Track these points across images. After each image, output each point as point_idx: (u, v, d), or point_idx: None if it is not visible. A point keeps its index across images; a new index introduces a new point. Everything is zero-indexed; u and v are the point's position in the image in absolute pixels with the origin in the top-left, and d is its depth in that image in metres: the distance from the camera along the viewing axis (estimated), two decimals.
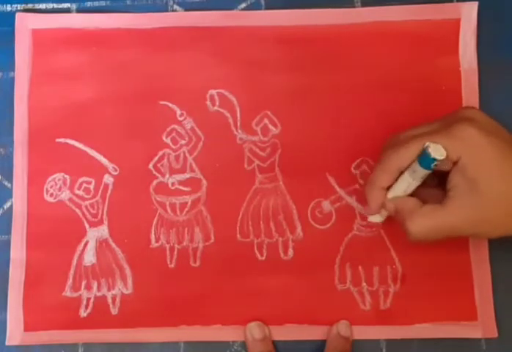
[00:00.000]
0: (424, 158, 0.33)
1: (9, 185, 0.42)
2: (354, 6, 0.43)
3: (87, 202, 0.42)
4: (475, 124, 0.33)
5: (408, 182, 0.35)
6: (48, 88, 0.43)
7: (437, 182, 0.36)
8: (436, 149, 0.32)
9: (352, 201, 0.41)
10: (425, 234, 0.34)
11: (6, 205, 0.42)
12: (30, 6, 0.44)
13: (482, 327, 0.40)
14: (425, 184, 0.35)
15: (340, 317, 0.40)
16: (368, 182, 0.36)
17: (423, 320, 0.40)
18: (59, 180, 0.42)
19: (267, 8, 0.44)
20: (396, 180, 0.35)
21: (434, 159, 0.32)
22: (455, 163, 0.33)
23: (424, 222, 0.34)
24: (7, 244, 0.42)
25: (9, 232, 0.42)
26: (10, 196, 0.42)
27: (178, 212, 0.42)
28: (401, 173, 0.35)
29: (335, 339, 0.40)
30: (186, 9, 0.44)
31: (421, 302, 0.40)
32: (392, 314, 0.41)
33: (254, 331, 0.40)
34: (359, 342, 0.40)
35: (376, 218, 0.38)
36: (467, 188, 0.33)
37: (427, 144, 0.32)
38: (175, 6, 0.44)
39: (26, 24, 0.43)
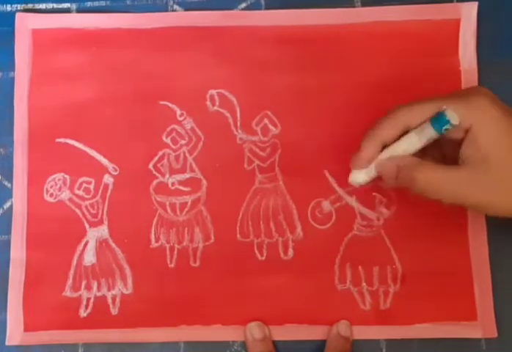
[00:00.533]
0: (438, 120, 0.33)
1: (9, 185, 0.42)
2: (354, 6, 0.43)
3: (87, 202, 0.42)
4: (491, 97, 0.33)
5: (411, 142, 0.34)
6: (48, 88, 0.43)
7: (439, 157, 0.36)
8: (451, 114, 0.32)
9: (352, 201, 0.41)
10: (430, 186, 0.34)
11: (6, 205, 0.42)
12: (30, 6, 0.44)
13: (482, 327, 0.40)
14: (425, 155, 0.35)
15: (340, 317, 0.40)
16: (368, 134, 0.35)
17: (423, 320, 0.40)
18: (59, 180, 0.42)
19: (267, 8, 0.44)
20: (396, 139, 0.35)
21: (449, 122, 0.32)
22: (466, 132, 0.33)
23: (433, 174, 0.33)
24: (7, 244, 0.42)
25: (9, 232, 0.42)
26: (10, 196, 0.42)
27: (178, 212, 0.42)
28: (404, 133, 0.34)
29: (335, 339, 0.40)
30: (186, 9, 0.44)
31: (421, 302, 0.40)
32: (392, 314, 0.41)
33: (254, 331, 0.40)
34: (359, 342, 0.40)
35: (360, 178, 0.36)
36: (479, 159, 0.33)
37: (444, 107, 0.33)
38: (175, 6, 0.44)
39: (26, 24, 0.43)
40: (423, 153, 0.35)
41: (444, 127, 0.33)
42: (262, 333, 0.40)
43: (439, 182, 0.33)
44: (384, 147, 0.35)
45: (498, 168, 0.33)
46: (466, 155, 0.34)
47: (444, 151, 0.36)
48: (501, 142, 0.33)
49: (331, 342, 0.40)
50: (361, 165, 0.36)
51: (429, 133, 0.33)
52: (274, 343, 0.40)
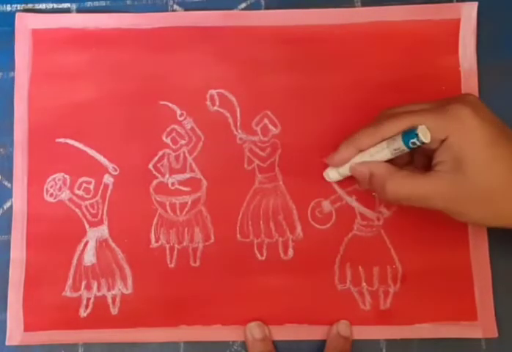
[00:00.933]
0: (408, 135, 0.34)
1: (9, 185, 0.42)
2: (354, 6, 0.43)
3: (87, 202, 0.42)
4: (470, 106, 0.33)
5: (382, 152, 0.36)
6: (48, 88, 0.43)
7: (407, 161, 0.38)
8: (423, 132, 0.33)
9: (352, 201, 0.41)
10: (401, 196, 0.35)
11: (6, 205, 0.42)
12: (30, 6, 0.44)
13: (482, 327, 0.40)
14: (394, 162, 0.36)
15: (340, 317, 0.40)
16: (348, 140, 0.37)
17: (423, 320, 0.40)
18: (59, 180, 0.42)
19: (267, 8, 0.44)
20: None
21: (417, 139, 0.33)
22: (442, 142, 0.34)
23: (403, 184, 0.35)
24: (7, 244, 0.42)
25: (9, 232, 0.42)
26: (10, 196, 0.42)
27: (178, 212, 0.42)
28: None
29: (335, 339, 0.40)
30: (186, 9, 0.44)
31: (421, 302, 0.40)
32: (392, 314, 0.41)
33: (254, 331, 0.40)
34: (359, 342, 0.40)
35: (333, 175, 0.40)
36: (452, 165, 0.33)
37: (419, 127, 0.33)
38: (175, 6, 0.44)
39: (26, 24, 0.43)
40: (410, 160, 0.38)
41: (411, 142, 0.34)
42: (263, 333, 0.40)
43: (407, 190, 0.34)
44: (360, 151, 0.37)
45: (468, 174, 0.33)
46: (437, 162, 0.34)
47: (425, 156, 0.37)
48: (477, 151, 0.33)
49: (331, 342, 0.40)
50: (335, 164, 0.39)
51: (398, 145, 0.35)
52: (274, 343, 0.40)
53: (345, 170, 0.38)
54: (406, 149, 0.35)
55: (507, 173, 0.33)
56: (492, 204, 0.33)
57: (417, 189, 0.34)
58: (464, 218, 0.35)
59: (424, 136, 0.33)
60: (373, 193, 0.41)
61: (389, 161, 0.36)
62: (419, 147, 0.34)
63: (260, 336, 0.40)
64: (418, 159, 0.38)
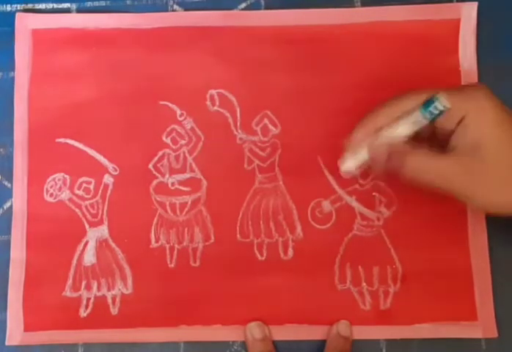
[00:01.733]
0: (427, 105, 0.33)
1: (9, 185, 0.43)
2: (354, 6, 0.43)
3: (87, 202, 0.42)
4: (488, 91, 0.33)
5: (402, 128, 0.34)
6: (48, 88, 0.43)
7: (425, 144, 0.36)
8: (442, 101, 0.33)
9: (352, 201, 0.41)
10: (421, 173, 0.34)
11: (6, 205, 0.42)
12: (30, 6, 0.44)
13: (482, 327, 0.40)
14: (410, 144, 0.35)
15: (340, 317, 0.40)
16: (364, 119, 0.36)
17: (423, 320, 0.40)
18: (59, 179, 0.42)
19: (267, 8, 0.43)
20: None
21: (436, 107, 0.32)
22: (458, 124, 0.33)
23: (421, 159, 0.34)
24: (7, 244, 0.42)
25: (9, 232, 0.42)
26: (10, 196, 0.42)
27: (178, 212, 0.42)
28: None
29: (335, 339, 0.40)
30: (186, 9, 0.44)
31: (421, 302, 0.40)
32: (392, 314, 0.41)
33: (254, 331, 0.40)
34: (358, 342, 0.40)
35: (351, 163, 0.37)
36: (469, 147, 0.33)
37: (437, 94, 0.33)
38: (175, 6, 0.44)
39: (26, 24, 0.43)
40: (427, 144, 0.36)
41: (431, 111, 0.33)
42: (263, 333, 0.40)
43: (426, 167, 0.34)
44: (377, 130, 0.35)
45: (486, 157, 0.33)
46: (455, 142, 0.34)
47: (441, 143, 0.36)
48: (492, 132, 0.33)
49: (331, 342, 0.40)
50: (354, 147, 0.36)
51: (416, 117, 0.34)
52: (274, 343, 0.40)
53: (363, 155, 0.36)
54: (425, 121, 0.34)
55: None
56: (510, 187, 0.33)
57: (438, 167, 0.34)
58: (480, 203, 0.34)
59: (443, 103, 0.32)
60: (374, 193, 0.41)
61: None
62: (438, 116, 0.33)
63: (260, 336, 0.40)
64: (435, 143, 0.36)
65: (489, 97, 0.33)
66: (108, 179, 0.42)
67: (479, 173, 0.33)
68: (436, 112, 0.33)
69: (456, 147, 0.34)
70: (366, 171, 0.38)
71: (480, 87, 0.34)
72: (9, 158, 0.43)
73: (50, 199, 0.42)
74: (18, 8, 0.44)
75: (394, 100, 0.35)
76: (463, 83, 0.42)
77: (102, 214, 0.42)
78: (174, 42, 0.43)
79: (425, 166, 0.34)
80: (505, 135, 0.33)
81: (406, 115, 0.34)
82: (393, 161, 0.35)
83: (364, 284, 0.41)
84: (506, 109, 0.33)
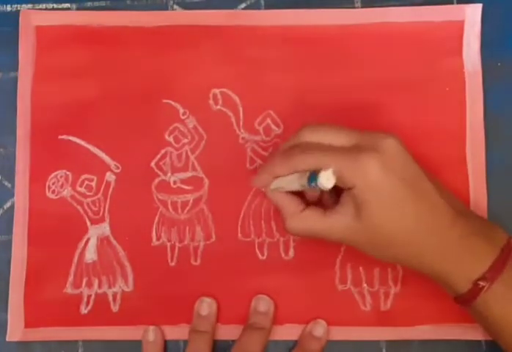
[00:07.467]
0: (313, 176, 0.32)
1: (9, 186, 0.42)
2: (354, 7, 0.43)
3: (89, 199, 0.42)
4: (381, 158, 0.32)
5: (292, 181, 0.35)
6: (51, 85, 0.43)
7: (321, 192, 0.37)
8: (326, 177, 0.32)
9: None
10: (300, 233, 0.36)
11: (7, 205, 0.42)
12: (30, 6, 0.44)
13: (482, 329, 0.40)
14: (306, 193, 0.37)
15: (340, 318, 0.40)
16: (264, 166, 0.37)
17: (424, 322, 0.40)
18: (61, 177, 0.42)
19: (267, 8, 0.43)
20: None
21: (321, 184, 0.32)
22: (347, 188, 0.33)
23: (301, 225, 0.35)
24: (8, 244, 0.42)
25: (9, 232, 0.42)
26: (11, 196, 0.42)
27: (180, 210, 0.42)
28: None
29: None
30: (186, 9, 0.44)
31: (422, 303, 0.40)
32: (392, 315, 0.40)
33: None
34: (359, 343, 0.40)
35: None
36: (353, 212, 0.33)
37: (322, 172, 0.32)
38: (175, 6, 0.44)
39: (30, 21, 0.43)
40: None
41: (312, 184, 0.32)
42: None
43: (306, 232, 0.35)
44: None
45: (365, 226, 0.33)
46: (341, 201, 0.34)
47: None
48: (375, 206, 0.32)
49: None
50: (258, 187, 0.40)
51: (303, 182, 0.33)
52: (274, 343, 0.40)
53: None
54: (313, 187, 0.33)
55: (403, 228, 0.33)
56: (390, 249, 0.34)
57: (317, 230, 0.35)
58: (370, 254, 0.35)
59: (326, 181, 0.31)
60: None
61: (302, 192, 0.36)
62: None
63: (205, 313, 0.40)
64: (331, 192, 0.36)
65: (381, 169, 0.32)
66: (110, 176, 0.42)
67: (357, 235, 0.34)
68: (318, 186, 0.32)
69: (342, 204, 0.34)
70: None
71: (378, 154, 0.32)
72: (9, 158, 0.42)
73: (52, 196, 0.42)
74: (18, 8, 0.44)
75: (289, 154, 0.35)
76: (467, 85, 0.42)
77: (103, 211, 0.42)
78: (178, 40, 0.43)
79: (304, 230, 0.36)
80: (389, 207, 0.33)
81: (298, 174, 0.34)
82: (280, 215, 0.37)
83: (364, 284, 0.41)
84: (402, 175, 0.32)
